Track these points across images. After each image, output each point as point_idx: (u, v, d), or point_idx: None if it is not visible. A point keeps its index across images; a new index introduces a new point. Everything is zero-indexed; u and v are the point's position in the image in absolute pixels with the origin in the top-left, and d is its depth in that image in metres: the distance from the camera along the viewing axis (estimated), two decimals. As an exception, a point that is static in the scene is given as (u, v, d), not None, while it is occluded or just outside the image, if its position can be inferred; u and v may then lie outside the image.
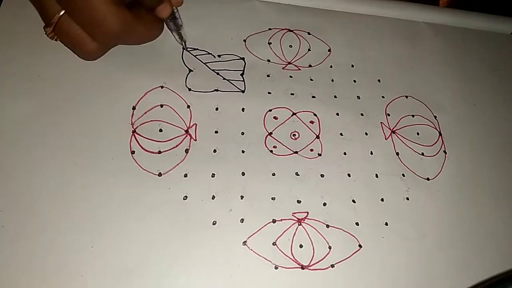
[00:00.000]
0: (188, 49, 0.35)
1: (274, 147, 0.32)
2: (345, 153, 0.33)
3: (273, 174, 0.31)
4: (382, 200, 0.32)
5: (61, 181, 0.27)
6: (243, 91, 0.34)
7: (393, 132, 0.35)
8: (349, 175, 0.32)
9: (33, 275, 0.25)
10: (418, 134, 0.36)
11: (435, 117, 0.37)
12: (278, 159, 0.32)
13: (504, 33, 0.45)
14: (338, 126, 0.34)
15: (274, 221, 0.29)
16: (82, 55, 0.30)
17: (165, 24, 0.33)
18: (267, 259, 0.28)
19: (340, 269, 0.29)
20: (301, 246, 0.29)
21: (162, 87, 0.32)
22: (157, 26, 0.31)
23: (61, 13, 0.27)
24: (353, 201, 0.31)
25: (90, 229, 0.26)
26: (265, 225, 0.29)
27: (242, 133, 0.32)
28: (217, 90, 0.33)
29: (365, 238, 0.30)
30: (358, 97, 0.36)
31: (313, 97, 0.35)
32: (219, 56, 0.34)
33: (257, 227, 0.29)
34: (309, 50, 0.37)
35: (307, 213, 0.30)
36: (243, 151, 0.31)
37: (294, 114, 0.34)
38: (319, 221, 0.30)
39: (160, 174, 0.29)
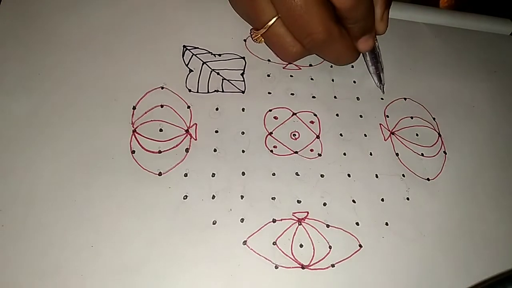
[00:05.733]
0: (384, 92, 0.36)
1: (275, 147, 0.32)
2: (345, 154, 0.33)
3: (273, 174, 0.31)
4: (382, 200, 0.32)
5: (61, 180, 0.27)
6: (243, 92, 0.34)
7: (392, 133, 0.35)
8: (349, 175, 0.32)
9: (32, 275, 0.25)
10: (417, 135, 0.36)
11: (434, 118, 0.37)
12: (278, 159, 0.32)
13: (504, 34, 0.45)
14: (338, 127, 0.34)
15: (274, 220, 0.29)
16: (283, 57, 0.33)
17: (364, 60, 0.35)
18: (267, 259, 0.28)
19: (340, 268, 0.29)
20: (301, 245, 0.29)
21: (162, 87, 0.32)
22: (353, 52, 0.33)
23: (276, 17, 0.29)
24: (353, 201, 0.31)
25: (90, 229, 0.26)
26: (265, 225, 0.29)
27: (243, 133, 0.32)
28: (217, 91, 0.33)
29: (365, 238, 0.30)
30: (358, 98, 0.36)
31: (313, 97, 0.35)
32: (219, 55, 0.35)
33: (257, 227, 0.29)
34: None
35: (307, 213, 0.30)
36: (243, 151, 0.31)
37: (294, 114, 0.34)
38: (319, 221, 0.30)
39: (160, 174, 0.29)
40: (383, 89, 0.37)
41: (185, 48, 0.34)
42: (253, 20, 0.32)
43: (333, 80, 0.36)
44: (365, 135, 0.35)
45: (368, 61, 0.36)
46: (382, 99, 0.37)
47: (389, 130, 0.36)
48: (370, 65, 0.36)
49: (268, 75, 0.35)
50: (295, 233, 0.29)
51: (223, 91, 0.33)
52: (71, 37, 0.32)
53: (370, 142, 0.34)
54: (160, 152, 0.30)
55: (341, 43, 0.31)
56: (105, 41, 0.33)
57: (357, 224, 0.31)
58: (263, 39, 0.33)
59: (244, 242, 0.28)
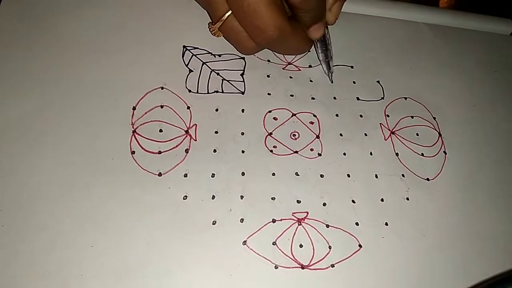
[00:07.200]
0: (332, 81, 0.37)
1: (274, 147, 0.32)
2: (344, 154, 0.33)
3: (273, 174, 0.31)
4: (382, 200, 0.32)
5: (61, 180, 0.27)
6: (243, 92, 0.34)
7: (393, 133, 0.35)
8: (348, 175, 0.32)
9: (32, 275, 0.25)
10: (417, 135, 0.36)
11: (434, 118, 0.37)
12: (278, 159, 0.32)
13: (504, 34, 0.45)
14: (338, 127, 0.34)
15: (274, 221, 0.29)
16: (240, 50, 0.33)
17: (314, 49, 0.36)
18: (267, 259, 0.28)
19: (340, 268, 0.29)
20: (301, 245, 0.29)
21: (162, 88, 0.32)
22: (306, 43, 0.34)
23: (229, 13, 0.29)
24: (353, 201, 0.31)
25: (90, 229, 0.26)
26: (265, 225, 0.29)
27: (242, 133, 0.32)
28: (217, 92, 0.33)
29: (365, 238, 0.30)
30: (358, 98, 0.36)
31: (313, 98, 0.35)
32: (219, 55, 0.35)
33: (257, 227, 0.29)
34: (309, 51, 0.37)
35: (307, 213, 0.30)
36: (243, 151, 0.31)
37: (294, 115, 0.34)
38: (319, 221, 0.30)
39: (160, 174, 0.29)
40: (331, 77, 0.37)
41: (185, 49, 0.34)
42: (209, 13, 0.32)
43: (332, 81, 0.36)
44: (366, 135, 0.35)
45: (318, 49, 0.35)
46: (382, 98, 0.37)
47: (389, 130, 0.36)
48: (320, 52, 0.36)
49: (268, 76, 0.35)
50: (295, 233, 0.29)
51: (223, 92, 0.33)
52: (71, 38, 0.32)
53: (370, 141, 0.34)
54: (160, 152, 0.30)
55: (294, 37, 0.31)
56: (105, 42, 0.33)
57: (357, 224, 0.31)
58: (221, 33, 0.32)
59: (244, 242, 0.28)
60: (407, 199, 0.33)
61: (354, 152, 0.33)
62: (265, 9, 0.27)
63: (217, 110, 0.32)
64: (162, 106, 0.31)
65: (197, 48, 0.34)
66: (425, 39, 0.42)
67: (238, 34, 0.30)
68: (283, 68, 0.36)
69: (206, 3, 0.31)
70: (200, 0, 0.33)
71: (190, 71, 0.33)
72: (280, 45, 0.32)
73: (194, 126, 0.31)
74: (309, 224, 0.30)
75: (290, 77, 0.36)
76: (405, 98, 0.38)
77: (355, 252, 0.30)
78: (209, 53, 0.34)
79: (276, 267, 0.28)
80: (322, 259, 0.29)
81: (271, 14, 0.28)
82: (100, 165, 0.28)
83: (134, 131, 0.30)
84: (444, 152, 0.36)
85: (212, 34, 0.32)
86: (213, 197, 0.29)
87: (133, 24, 0.34)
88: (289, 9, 0.31)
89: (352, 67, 0.38)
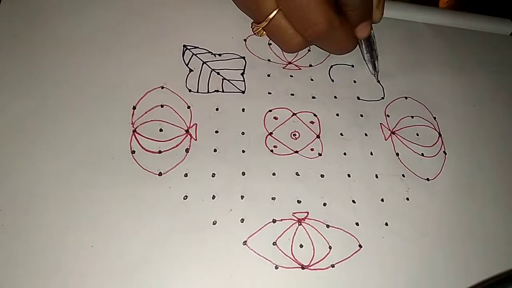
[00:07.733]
0: (378, 79, 0.37)
1: (275, 146, 0.32)
2: (345, 154, 0.33)
3: (274, 174, 0.31)
4: (382, 200, 0.32)
5: (61, 180, 0.27)
6: (243, 92, 0.34)
7: (393, 133, 0.35)
8: (349, 175, 0.32)
9: (32, 275, 0.25)
10: (417, 135, 0.36)
11: (434, 118, 0.37)
12: (279, 159, 0.32)
13: (504, 34, 0.45)
14: (338, 127, 0.34)
15: (274, 221, 0.29)
16: (286, 48, 0.33)
17: (359, 49, 0.36)
18: (267, 259, 0.28)
19: (340, 269, 0.29)
20: (301, 246, 0.29)
21: (162, 87, 0.32)
22: (352, 42, 0.34)
23: (277, 10, 0.30)
24: (353, 201, 0.31)
25: (90, 229, 0.26)
26: (265, 225, 0.29)
27: (243, 133, 0.32)
28: (217, 91, 0.33)
29: (365, 238, 0.30)
30: (358, 98, 0.36)
31: (313, 97, 0.35)
32: (219, 55, 0.34)
33: (257, 227, 0.29)
34: (309, 50, 0.37)
35: (307, 213, 0.30)
36: (243, 151, 0.31)
37: (294, 114, 0.34)
38: (319, 221, 0.30)
39: (160, 174, 0.29)
40: (377, 77, 0.37)
41: (185, 48, 0.34)
42: (254, 13, 0.32)
43: (333, 80, 0.36)
44: (366, 135, 0.35)
45: (364, 49, 0.36)
46: (382, 98, 0.37)
47: (389, 130, 0.35)
48: (365, 53, 0.36)
49: (268, 75, 0.35)
50: (295, 233, 0.29)
51: (223, 91, 0.33)
52: (71, 37, 0.32)
53: (371, 141, 0.34)
54: (160, 152, 0.30)
55: (342, 32, 0.31)
56: (105, 41, 0.33)
57: (357, 224, 0.31)
58: (264, 32, 0.33)
59: (244, 242, 0.28)
60: (407, 199, 0.33)
61: (354, 152, 0.33)
62: (316, 1, 0.28)
63: (217, 109, 0.32)
64: (162, 106, 0.31)
65: (198, 47, 0.34)
66: (425, 39, 0.42)
67: (285, 31, 0.31)
68: (283, 67, 0.36)
69: (251, 2, 0.32)
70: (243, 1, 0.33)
71: (190, 70, 0.33)
72: (327, 39, 0.32)
73: (195, 126, 0.31)
74: (310, 224, 0.30)
75: (291, 76, 0.36)
76: (406, 98, 0.37)
77: (355, 252, 0.30)
78: (209, 52, 0.34)
79: (276, 267, 0.28)
80: (322, 259, 0.29)
81: (321, 5, 0.28)
82: (100, 165, 0.28)
83: (134, 131, 0.30)
84: (444, 152, 0.36)
85: (254, 33, 0.33)
86: (214, 197, 0.29)
87: (133, 23, 0.34)
88: (337, 7, 0.31)
89: (352, 66, 0.38)
